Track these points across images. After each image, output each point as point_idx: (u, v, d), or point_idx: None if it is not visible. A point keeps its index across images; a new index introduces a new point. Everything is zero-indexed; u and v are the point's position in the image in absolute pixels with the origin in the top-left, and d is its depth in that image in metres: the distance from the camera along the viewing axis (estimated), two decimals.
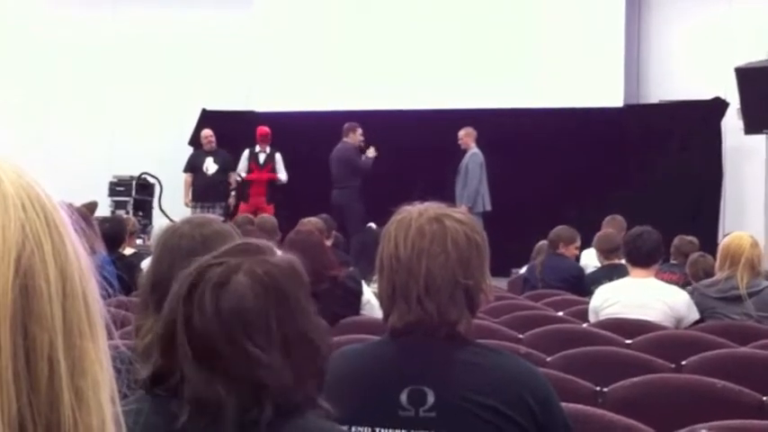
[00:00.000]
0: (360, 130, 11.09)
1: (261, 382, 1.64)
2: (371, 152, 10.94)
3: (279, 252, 1.78)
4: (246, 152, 11.78)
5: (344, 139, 11.09)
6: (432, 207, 2.19)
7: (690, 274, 6.17)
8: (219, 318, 1.67)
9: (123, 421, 0.79)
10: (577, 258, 7.75)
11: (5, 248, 0.71)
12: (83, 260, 0.76)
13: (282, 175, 11.69)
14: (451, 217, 2.16)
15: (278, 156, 11.74)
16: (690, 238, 7.22)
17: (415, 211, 2.17)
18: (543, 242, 8.32)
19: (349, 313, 4.67)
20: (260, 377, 1.64)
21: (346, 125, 11.14)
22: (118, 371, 0.79)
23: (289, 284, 1.72)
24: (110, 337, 0.78)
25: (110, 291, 0.82)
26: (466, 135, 10.99)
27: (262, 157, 11.74)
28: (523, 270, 8.48)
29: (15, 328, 0.71)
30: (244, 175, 11.72)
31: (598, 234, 7.28)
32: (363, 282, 4.98)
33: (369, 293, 4.76)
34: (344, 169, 10.92)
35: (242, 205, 11.53)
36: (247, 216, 8.28)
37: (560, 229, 7.25)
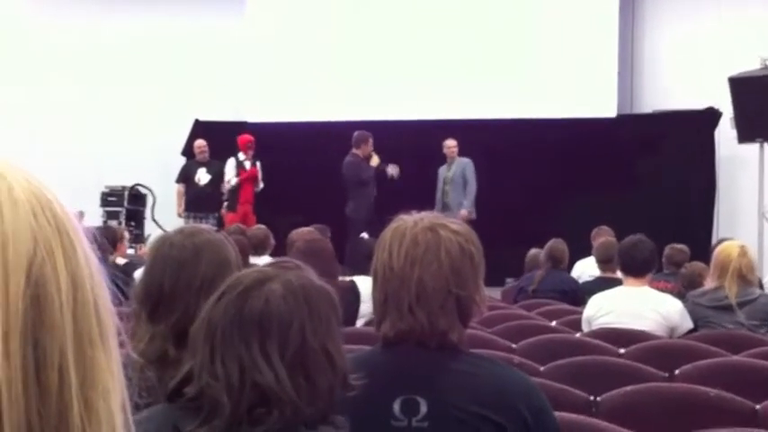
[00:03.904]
0: (370, 141, 10.83)
1: (262, 388, 1.64)
2: (391, 169, 10.74)
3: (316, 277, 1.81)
4: (232, 160, 11.67)
5: (353, 150, 10.79)
6: (428, 216, 2.18)
7: (684, 282, 6.17)
8: (240, 319, 1.68)
9: (134, 430, 0.77)
10: (569, 269, 7.73)
11: (17, 258, 0.69)
12: (94, 268, 0.74)
13: (260, 183, 11.74)
14: (447, 227, 2.14)
15: (259, 164, 11.74)
16: (680, 246, 7.19)
17: (411, 221, 2.16)
18: (536, 250, 8.29)
19: (344, 323, 4.66)
20: (260, 383, 1.64)
21: (357, 135, 10.85)
22: (129, 378, 0.78)
23: (322, 302, 1.75)
24: (121, 345, 0.76)
25: (121, 298, 0.80)
26: (456, 145, 11.05)
27: (247, 165, 11.67)
28: (514, 280, 8.47)
29: (26, 339, 0.69)
30: (234, 182, 11.58)
31: (597, 243, 7.26)
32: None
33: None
34: (348, 182, 10.78)
35: (230, 215, 11.38)
36: (239, 226, 8.25)
37: (559, 244, 7.15)
